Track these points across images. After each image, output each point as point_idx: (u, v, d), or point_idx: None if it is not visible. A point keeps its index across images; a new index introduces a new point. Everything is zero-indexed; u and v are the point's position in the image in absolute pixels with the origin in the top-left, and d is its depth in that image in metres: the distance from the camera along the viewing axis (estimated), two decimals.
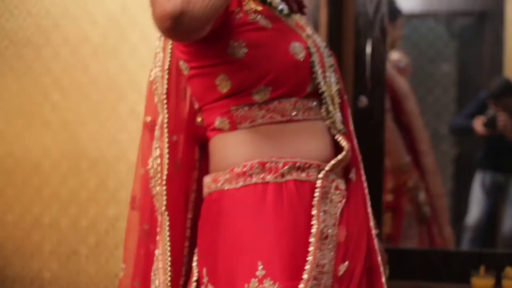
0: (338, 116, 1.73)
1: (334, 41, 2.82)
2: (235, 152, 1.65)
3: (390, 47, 3.19)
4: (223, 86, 1.63)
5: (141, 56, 2.94)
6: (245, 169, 1.61)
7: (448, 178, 3.41)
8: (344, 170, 1.72)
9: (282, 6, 1.73)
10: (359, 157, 1.77)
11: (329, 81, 1.72)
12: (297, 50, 1.64)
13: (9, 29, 3.10)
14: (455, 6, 3.36)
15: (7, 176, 3.20)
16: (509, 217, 3.20)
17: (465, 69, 3.38)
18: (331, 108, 1.70)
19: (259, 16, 1.64)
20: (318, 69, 1.68)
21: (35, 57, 3.08)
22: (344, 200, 1.65)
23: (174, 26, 1.36)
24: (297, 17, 1.78)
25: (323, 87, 1.69)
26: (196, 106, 1.75)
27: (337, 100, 1.74)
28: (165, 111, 1.75)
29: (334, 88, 1.74)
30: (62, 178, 3.09)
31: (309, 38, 1.72)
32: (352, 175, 1.73)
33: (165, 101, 1.75)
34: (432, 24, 3.43)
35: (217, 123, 1.67)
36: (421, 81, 3.40)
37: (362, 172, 1.77)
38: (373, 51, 2.80)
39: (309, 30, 1.77)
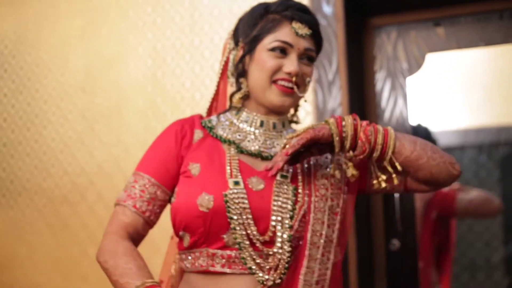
0: None
1: None
2: None
3: None
4: None
5: None
6: None
7: None
8: None
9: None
10: None
11: None
12: None
13: (46, 188, 3.20)
14: (496, 137, 3.34)
15: None
16: None
17: (510, 196, 3.33)
18: None
19: None
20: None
21: (72, 213, 3.15)
22: None
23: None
24: None
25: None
26: None
27: None
28: None
29: None
30: None
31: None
32: None
33: None
34: (473, 155, 3.41)
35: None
36: None
37: None
38: (401, 194, 2.79)
39: None
